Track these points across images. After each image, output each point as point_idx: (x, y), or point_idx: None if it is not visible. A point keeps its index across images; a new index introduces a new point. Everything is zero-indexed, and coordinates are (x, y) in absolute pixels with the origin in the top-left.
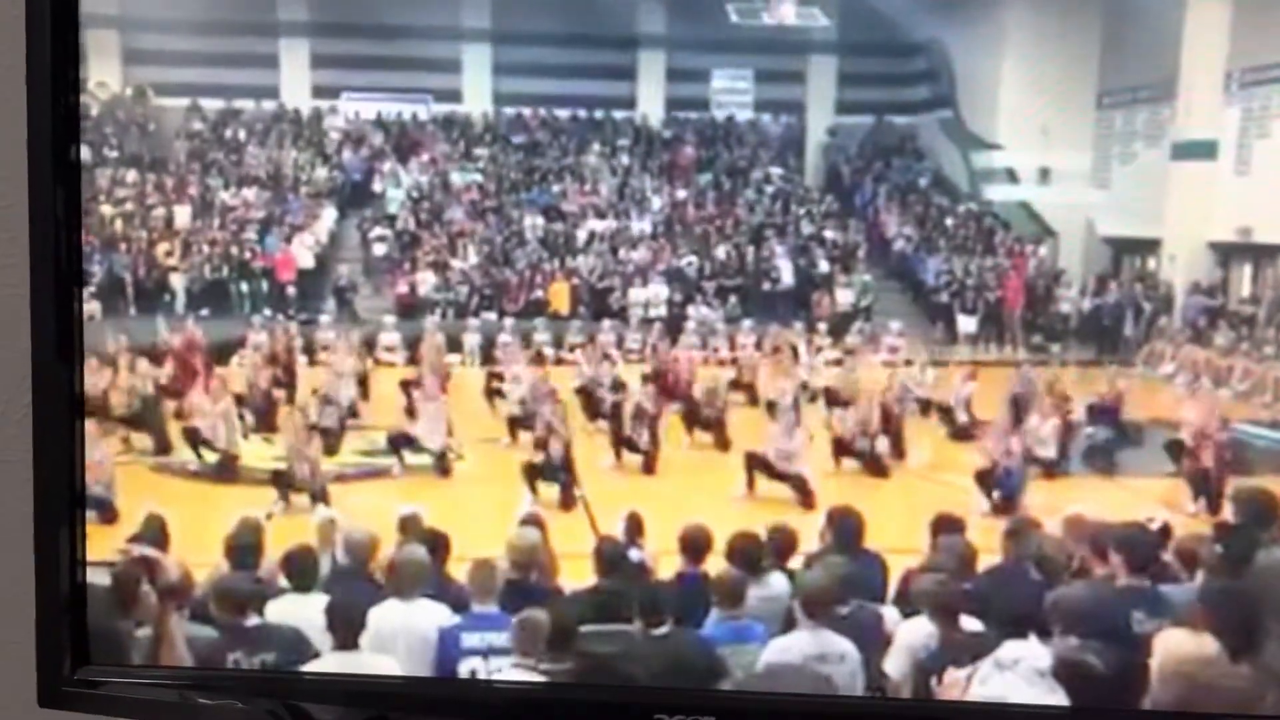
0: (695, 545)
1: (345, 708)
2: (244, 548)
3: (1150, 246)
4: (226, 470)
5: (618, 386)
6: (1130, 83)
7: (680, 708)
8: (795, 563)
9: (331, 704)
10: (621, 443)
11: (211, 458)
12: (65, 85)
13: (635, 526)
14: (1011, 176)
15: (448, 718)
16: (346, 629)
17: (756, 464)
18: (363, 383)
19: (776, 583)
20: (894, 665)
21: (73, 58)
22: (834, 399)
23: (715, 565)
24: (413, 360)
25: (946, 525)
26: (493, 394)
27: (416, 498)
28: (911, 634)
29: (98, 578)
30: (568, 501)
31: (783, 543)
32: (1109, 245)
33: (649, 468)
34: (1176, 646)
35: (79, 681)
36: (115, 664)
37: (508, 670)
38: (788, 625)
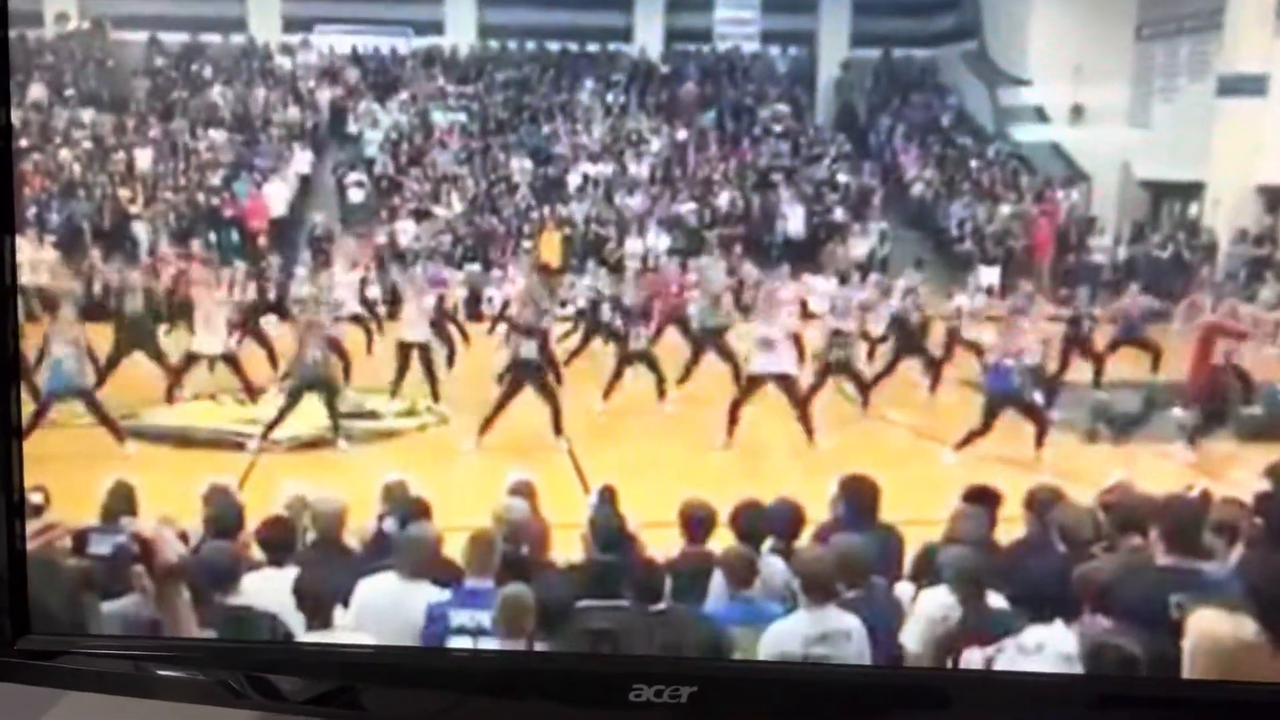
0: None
1: (308, 679)
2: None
3: (1193, 191)
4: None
5: None
6: (1173, 12)
7: (659, 677)
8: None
9: (290, 675)
10: None
11: None
12: None
13: None
14: (1041, 115)
15: (415, 688)
16: (318, 607)
17: None
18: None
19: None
20: (911, 637)
21: None
22: None
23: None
24: None
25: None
26: None
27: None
28: (929, 606)
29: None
30: None
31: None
32: (1147, 189)
33: None
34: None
35: (20, 652)
36: (60, 633)
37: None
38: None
